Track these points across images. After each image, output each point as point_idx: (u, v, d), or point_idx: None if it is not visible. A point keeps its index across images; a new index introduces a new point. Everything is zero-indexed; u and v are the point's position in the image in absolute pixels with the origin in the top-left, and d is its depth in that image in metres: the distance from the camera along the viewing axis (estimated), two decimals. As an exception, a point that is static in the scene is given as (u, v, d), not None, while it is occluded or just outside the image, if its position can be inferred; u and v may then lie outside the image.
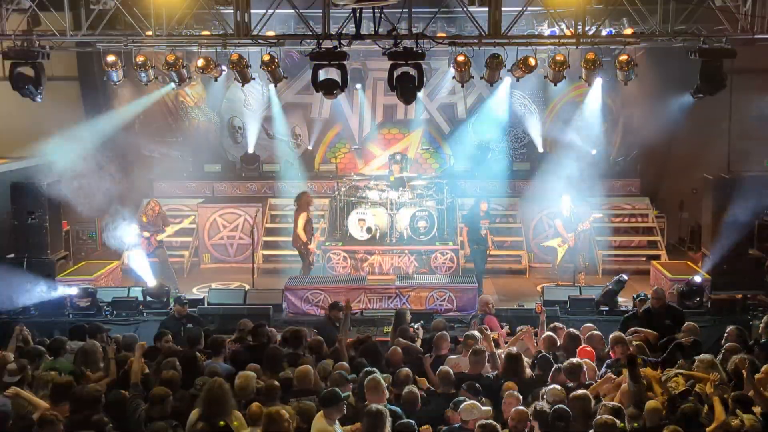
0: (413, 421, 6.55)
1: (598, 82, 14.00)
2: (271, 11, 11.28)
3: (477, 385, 7.32)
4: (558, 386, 7.21)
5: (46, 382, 7.24)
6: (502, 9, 11.23)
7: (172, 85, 13.82)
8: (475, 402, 6.75)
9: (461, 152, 17.12)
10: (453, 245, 14.23)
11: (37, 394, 7.13)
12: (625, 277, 11.81)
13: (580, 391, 6.92)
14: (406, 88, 10.94)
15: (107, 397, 6.92)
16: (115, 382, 7.48)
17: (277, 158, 17.18)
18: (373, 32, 10.83)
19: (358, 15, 10.43)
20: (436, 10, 11.93)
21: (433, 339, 8.81)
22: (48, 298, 11.80)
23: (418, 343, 9.05)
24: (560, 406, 6.65)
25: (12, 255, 12.84)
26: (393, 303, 12.14)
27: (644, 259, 14.96)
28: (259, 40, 11.46)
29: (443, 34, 12.60)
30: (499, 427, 6.34)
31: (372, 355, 8.32)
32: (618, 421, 6.42)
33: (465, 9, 11.79)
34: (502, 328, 9.78)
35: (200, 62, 12.15)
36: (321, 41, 10.88)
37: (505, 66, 11.98)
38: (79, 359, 8.03)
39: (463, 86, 13.91)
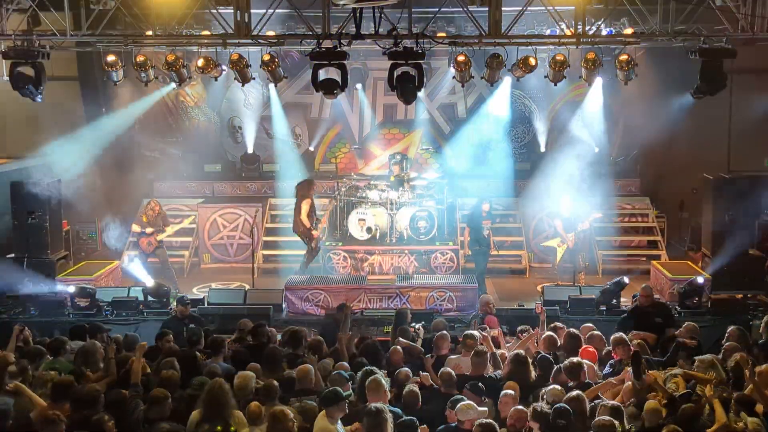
0: (414, 419, 6.54)
1: (598, 81, 13.99)
2: (271, 11, 11.28)
3: (480, 384, 7.31)
4: (558, 386, 7.20)
5: (46, 382, 7.24)
6: (503, 9, 11.24)
7: (173, 85, 13.84)
8: (471, 402, 6.74)
9: (461, 152, 17.10)
10: (453, 245, 14.22)
11: (37, 393, 7.11)
12: (626, 279, 11.78)
13: (575, 392, 6.92)
14: (406, 88, 10.94)
15: (107, 396, 6.92)
16: (115, 382, 7.47)
17: (277, 158, 17.18)
18: (373, 32, 10.82)
19: (358, 15, 10.43)
20: (436, 10, 11.92)
21: (434, 339, 8.81)
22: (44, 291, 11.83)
23: (419, 344, 9.05)
24: (561, 405, 6.64)
25: (12, 255, 12.85)
26: (393, 303, 12.14)
27: (644, 259, 14.95)
28: (259, 40, 11.46)
29: (443, 34, 12.60)
30: (497, 426, 6.34)
31: (372, 355, 8.32)
32: (617, 423, 6.40)
33: (465, 9, 11.80)
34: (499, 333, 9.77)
35: (200, 62, 12.15)
36: (321, 41, 10.88)
37: (505, 66, 11.97)
38: (79, 359, 8.02)
39: (463, 86, 13.94)
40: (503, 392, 7.10)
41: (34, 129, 14.85)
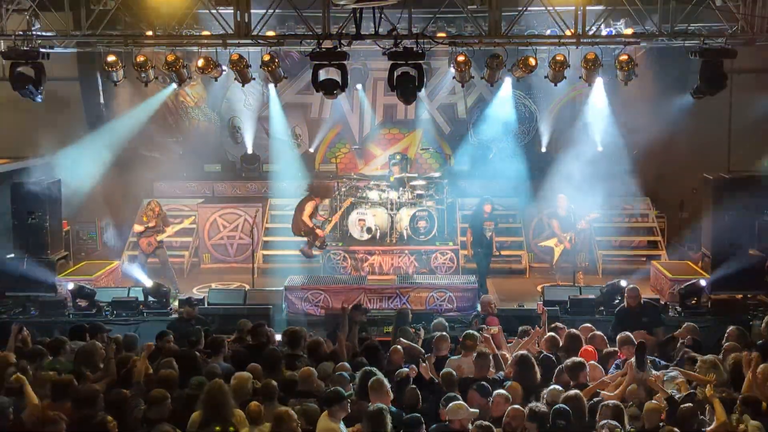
0: (419, 415, 6.54)
1: (599, 81, 13.99)
2: (271, 11, 11.28)
3: (486, 385, 7.30)
4: (558, 386, 7.20)
5: (45, 382, 7.24)
6: (502, 9, 11.24)
7: (174, 85, 13.83)
8: (462, 402, 6.72)
9: (461, 152, 17.10)
10: (453, 245, 14.23)
11: (37, 393, 7.11)
12: (623, 282, 11.76)
13: (572, 392, 6.92)
14: (406, 88, 10.94)
15: (108, 396, 6.92)
16: (115, 382, 7.48)
17: (277, 158, 17.17)
18: (373, 32, 10.82)
19: (358, 15, 10.43)
20: (436, 10, 11.92)
21: (433, 340, 8.80)
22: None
23: (419, 344, 9.04)
24: (560, 405, 6.64)
25: (12, 255, 12.85)
26: (393, 303, 12.16)
27: (644, 259, 14.95)
28: (259, 40, 11.46)
29: (443, 34, 12.60)
30: (493, 428, 6.33)
31: (372, 355, 8.32)
32: (619, 427, 6.39)
33: (465, 9, 11.80)
34: (499, 330, 9.78)
35: (200, 62, 12.15)
36: (321, 41, 10.88)
37: (505, 66, 11.97)
38: (79, 359, 8.03)
39: (463, 86, 13.92)
40: (495, 392, 7.07)
41: (34, 129, 14.84)
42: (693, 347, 8.69)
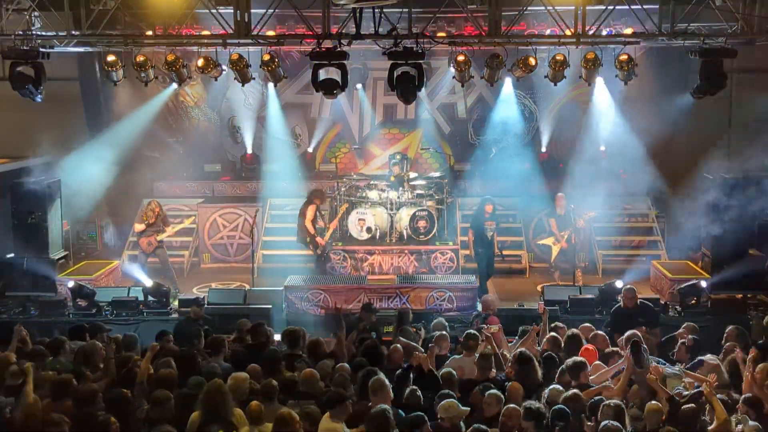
0: (423, 414, 6.54)
1: (600, 81, 14.00)
2: (271, 11, 11.28)
3: (491, 386, 7.29)
4: (559, 386, 7.20)
5: (46, 382, 7.24)
6: (503, 9, 11.24)
7: (174, 85, 13.83)
8: (453, 401, 6.72)
9: (461, 152, 17.10)
10: (453, 245, 14.23)
11: (37, 393, 7.11)
12: (618, 284, 11.75)
13: (571, 392, 6.92)
14: (406, 87, 10.93)
15: (110, 395, 6.92)
16: (115, 382, 7.48)
17: (277, 158, 17.17)
18: (373, 32, 10.82)
19: (358, 15, 10.43)
20: (436, 10, 11.92)
21: (433, 339, 8.80)
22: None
23: (419, 344, 9.05)
24: (559, 406, 6.64)
25: (12, 255, 12.85)
26: (393, 303, 12.15)
27: (644, 259, 14.95)
28: (259, 40, 11.46)
29: (443, 34, 12.60)
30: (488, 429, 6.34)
31: (373, 355, 8.31)
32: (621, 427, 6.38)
33: (465, 9, 11.80)
34: (500, 329, 9.78)
35: (200, 62, 12.15)
36: (321, 41, 10.88)
37: (505, 66, 11.97)
38: (79, 359, 8.03)
39: (463, 86, 13.93)
40: (487, 392, 7.05)
41: (34, 129, 14.84)
42: (693, 347, 8.70)
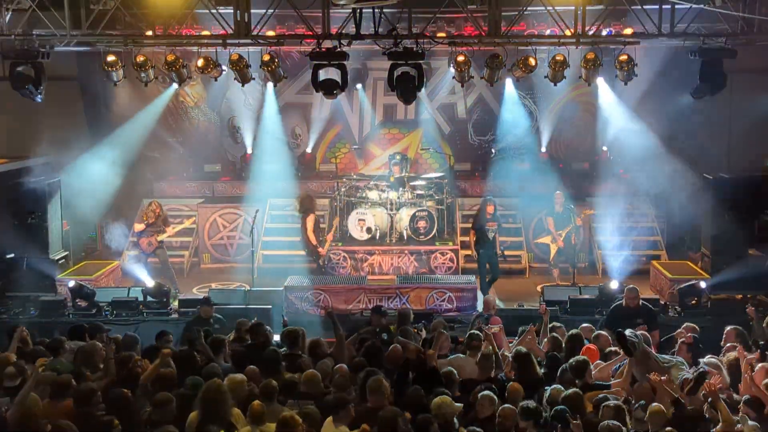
0: (430, 416, 6.54)
1: (601, 81, 14.01)
2: (271, 11, 11.28)
3: (493, 387, 7.29)
4: (560, 386, 7.20)
5: (45, 381, 7.23)
6: (502, 9, 11.24)
7: (175, 85, 13.83)
8: (446, 397, 6.72)
9: (461, 152, 17.10)
10: (453, 245, 14.22)
11: (38, 392, 7.11)
12: (613, 284, 11.75)
13: (571, 390, 6.92)
14: (406, 88, 10.94)
15: (111, 395, 6.92)
16: (115, 382, 7.48)
17: (277, 158, 17.16)
18: (373, 32, 10.83)
19: (358, 15, 10.44)
20: (436, 10, 11.93)
21: (434, 339, 8.79)
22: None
23: (420, 344, 9.04)
24: (559, 407, 6.63)
25: (12, 255, 12.85)
26: (393, 303, 12.15)
27: (644, 259, 14.95)
28: (259, 40, 11.46)
29: (443, 34, 12.61)
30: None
31: (373, 355, 8.31)
32: (623, 427, 6.38)
33: (465, 9, 11.80)
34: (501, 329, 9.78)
35: (200, 62, 12.16)
36: (321, 41, 10.88)
37: (505, 66, 11.98)
38: (78, 359, 8.03)
39: (463, 86, 13.93)
40: (480, 393, 7.02)
41: (34, 129, 14.85)
42: (693, 345, 8.70)
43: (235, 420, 6.53)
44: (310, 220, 13.19)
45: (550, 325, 9.35)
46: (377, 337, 8.99)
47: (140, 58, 11.95)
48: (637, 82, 12.51)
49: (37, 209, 13.16)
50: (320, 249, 13.31)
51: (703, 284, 11.91)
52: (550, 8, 11.19)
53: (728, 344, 8.63)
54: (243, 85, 12.64)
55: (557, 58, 11.60)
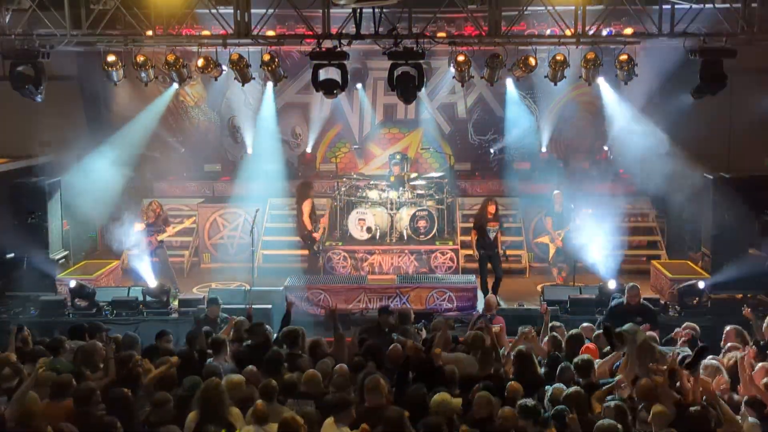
0: (441, 418, 6.55)
1: (602, 81, 14.01)
2: (271, 11, 11.28)
3: (491, 385, 7.29)
4: (561, 385, 7.19)
5: (45, 381, 7.24)
6: (503, 9, 11.24)
7: (175, 85, 13.83)
8: (445, 394, 6.72)
9: (461, 152, 17.10)
10: (453, 245, 14.22)
11: (37, 392, 7.11)
12: (611, 285, 11.74)
13: (573, 389, 6.91)
14: (406, 87, 10.94)
15: (112, 395, 6.92)
16: (115, 381, 7.48)
17: (277, 158, 17.16)
18: (373, 32, 10.83)
19: (358, 15, 10.44)
20: (436, 10, 11.93)
21: (434, 338, 8.79)
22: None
23: (420, 343, 9.03)
24: (559, 407, 6.63)
25: (12, 255, 12.85)
26: (393, 303, 12.14)
27: (644, 259, 14.95)
28: (259, 40, 11.46)
29: (443, 34, 12.61)
30: None
31: (373, 355, 8.30)
32: (620, 426, 6.37)
33: (465, 9, 11.80)
34: (501, 329, 9.79)
35: (200, 62, 12.16)
36: (321, 41, 10.88)
37: (505, 66, 11.98)
38: (78, 359, 8.03)
39: (463, 86, 13.93)
40: (477, 394, 6.99)
41: (34, 129, 14.85)
42: (691, 342, 8.71)
43: (234, 419, 6.53)
44: (307, 205, 13.27)
45: (551, 325, 9.35)
46: (386, 337, 8.96)
47: (140, 58, 11.96)
48: (637, 82, 12.50)
49: (37, 209, 13.16)
50: (315, 234, 13.35)
51: (703, 284, 11.91)
52: (550, 8, 11.19)
53: (728, 344, 8.62)
54: (243, 85, 12.64)
55: (557, 57, 11.61)
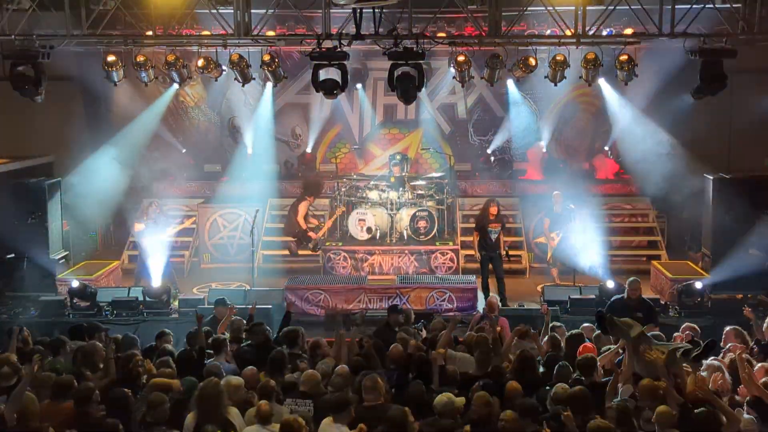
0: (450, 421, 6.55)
1: (603, 81, 14.01)
2: (271, 11, 11.28)
3: (490, 383, 7.29)
4: (564, 384, 7.19)
5: (46, 382, 7.24)
6: (502, 9, 11.25)
7: (176, 85, 13.83)
8: (449, 394, 6.72)
9: (461, 152, 17.10)
10: (453, 245, 14.22)
11: (38, 393, 7.11)
12: (609, 284, 11.76)
13: (577, 388, 6.91)
14: (406, 88, 10.93)
15: (112, 395, 6.92)
16: (115, 382, 7.48)
17: (277, 159, 17.17)
18: (373, 32, 10.83)
19: (358, 15, 10.44)
20: (436, 10, 11.93)
21: (435, 339, 8.79)
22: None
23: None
24: (561, 407, 6.63)
25: (12, 255, 12.86)
26: (393, 303, 12.13)
27: (644, 259, 14.95)
28: (259, 40, 11.46)
29: (443, 34, 12.61)
30: None
31: (373, 355, 8.30)
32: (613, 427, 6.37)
33: (465, 9, 11.80)
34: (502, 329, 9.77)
35: (200, 62, 12.15)
36: (321, 41, 10.88)
37: (505, 66, 11.97)
38: (78, 359, 8.02)
39: (463, 86, 13.92)
40: (476, 394, 6.98)
41: (34, 129, 14.85)
42: (691, 342, 8.69)
43: (232, 419, 6.53)
44: (303, 207, 13.27)
45: (551, 325, 9.34)
46: (395, 336, 8.95)
47: (140, 58, 11.97)
48: (638, 83, 12.51)
49: (37, 209, 13.16)
50: (311, 233, 13.40)
51: (703, 284, 11.91)
52: (551, 8, 11.19)
53: (729, 344, 8.62)
54: (243, 85, 12.65)
55: (557, 58, 11.61)
